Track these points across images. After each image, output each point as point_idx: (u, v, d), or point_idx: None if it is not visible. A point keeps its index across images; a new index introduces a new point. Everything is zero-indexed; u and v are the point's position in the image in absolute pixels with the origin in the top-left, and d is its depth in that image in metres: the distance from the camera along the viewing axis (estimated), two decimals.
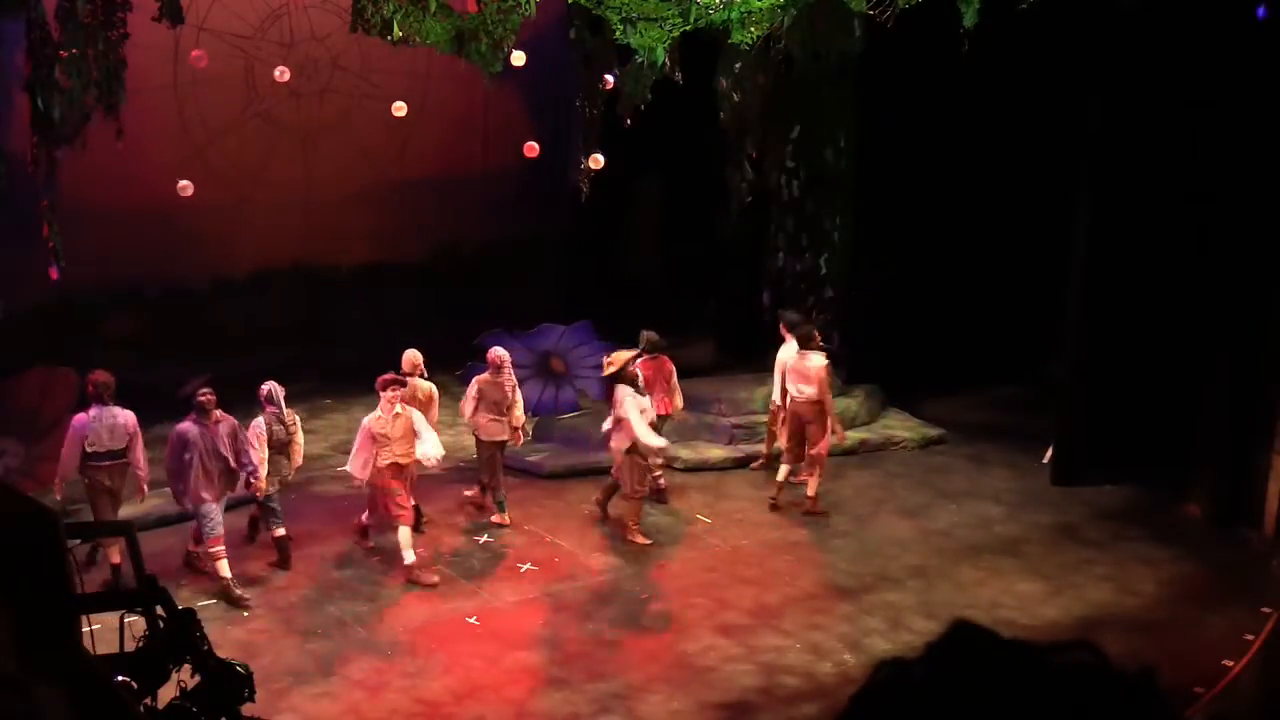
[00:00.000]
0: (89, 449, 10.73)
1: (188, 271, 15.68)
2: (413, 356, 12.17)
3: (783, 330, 13.14)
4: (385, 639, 10.36)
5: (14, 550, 1.77)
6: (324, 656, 10.05)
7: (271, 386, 11.37)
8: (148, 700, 5.26)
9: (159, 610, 5.32)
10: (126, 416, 10.93)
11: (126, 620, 5.47)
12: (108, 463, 10.82)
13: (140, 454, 11.01)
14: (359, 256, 16.97)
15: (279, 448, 11.31)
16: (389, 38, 11.83)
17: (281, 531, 11.42)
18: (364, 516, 11.77)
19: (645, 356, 12.55)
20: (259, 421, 11.25)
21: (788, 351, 12.81)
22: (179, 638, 5.30)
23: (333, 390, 14.52)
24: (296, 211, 16.36)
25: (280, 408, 11.38)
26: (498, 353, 12.41)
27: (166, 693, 5.45)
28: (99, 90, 11.00)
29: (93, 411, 10.81)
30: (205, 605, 10.19)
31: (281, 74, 12.94)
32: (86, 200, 13.25)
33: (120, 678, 4.96)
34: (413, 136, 16.44)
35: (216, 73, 14.27)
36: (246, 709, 5.45)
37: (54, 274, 11.36)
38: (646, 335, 12.81)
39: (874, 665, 1.36)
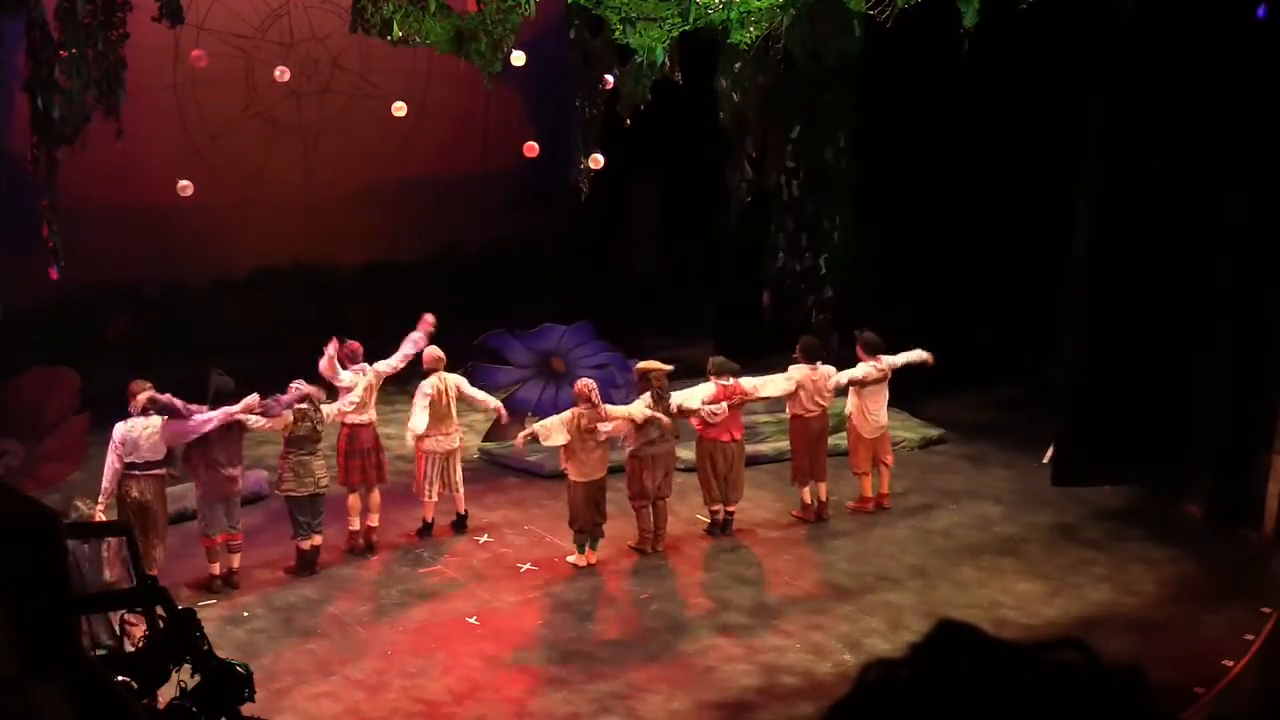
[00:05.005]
0: (125, 459, 10.39)
1: (188, 271, 15.69)
2: (435, 352, 11.89)
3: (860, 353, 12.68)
4: (385, 639, 10.35)
5: (14, 550, 1.77)
6: (324, 656, 10.05)
7: (300, 385, 11.08)
8: (148, 700, 5.27)
9: (159, 610, 5.33)
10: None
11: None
12: (140, 474, 10.46)
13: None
14: (359, 256, 16.97)
15: (307, 448, 11.07)
16: (389, 38, 11.84)
17: (307, 543, 11.23)
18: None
19: (718, 383, 12.10)
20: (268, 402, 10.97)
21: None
22: (179, 638, 5.31)
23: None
24: (296, 211, 16.37)
25: (315, 405, 11.05)
26: (586, 384, 11.64)
27: (166, 693, 5.46)
28: (99, 90, 10.99)
29: (132, 421, 10.48)
30: (205, 605, 10.19)
31: (281, 74, 12.95)
32: (86, 200, 13.25)
33: (120, 678, 4.97)
34: (413, 136, 16.44)
35: (216, 73, 14.28)
36: (246, 709, 5.47)
37: (54, 274, 11.36)
38: (714, 360, 12.32)
39: (862, 666, 1.36)
